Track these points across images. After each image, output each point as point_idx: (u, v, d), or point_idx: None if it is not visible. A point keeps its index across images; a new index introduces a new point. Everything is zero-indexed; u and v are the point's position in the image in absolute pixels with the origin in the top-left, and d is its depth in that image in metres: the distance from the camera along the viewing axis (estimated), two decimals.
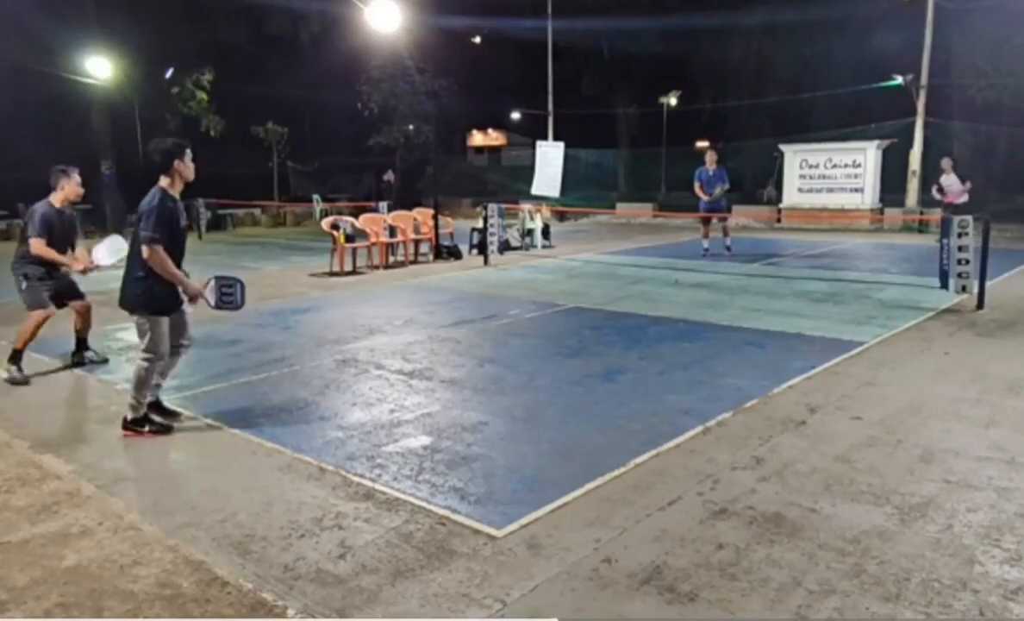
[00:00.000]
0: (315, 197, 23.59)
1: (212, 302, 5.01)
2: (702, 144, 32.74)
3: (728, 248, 13.88)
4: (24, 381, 6.12)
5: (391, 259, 13.66)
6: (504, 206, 15.46)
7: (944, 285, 9.71)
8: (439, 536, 3.47)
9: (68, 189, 6.39)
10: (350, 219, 13.76)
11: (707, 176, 13.92)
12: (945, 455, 4.32)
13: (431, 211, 14.79)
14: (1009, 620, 2.79)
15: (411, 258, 14.08)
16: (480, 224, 14.15)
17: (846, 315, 8.37)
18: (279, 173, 27.93)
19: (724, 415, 5.03)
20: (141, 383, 4.83)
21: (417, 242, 14.54)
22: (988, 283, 8.75)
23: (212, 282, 5.03)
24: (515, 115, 37.45)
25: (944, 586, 3.00)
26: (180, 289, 4.81)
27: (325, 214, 20.42)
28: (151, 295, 4.72)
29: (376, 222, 13.92)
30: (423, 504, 3.79)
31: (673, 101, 34.77)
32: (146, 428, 4.88)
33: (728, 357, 6.68)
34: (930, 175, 20.12)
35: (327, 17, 25.37)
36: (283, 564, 3.25)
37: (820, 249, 15.14)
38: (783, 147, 21.63)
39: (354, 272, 12.52)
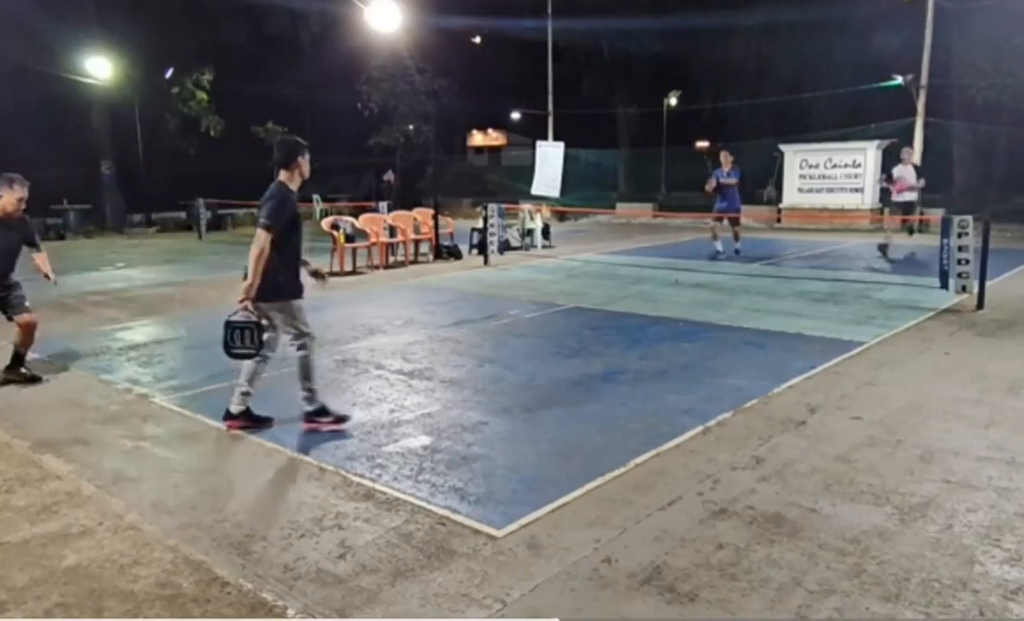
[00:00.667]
0: (315, 197, 23.58)
1: (231, 318, 4.67)
2: (702, 144, 32.78)
3: (737, 251, 13.76)
4: None
5: (391, 259, 13.66)
6: (504, 206, 15.45)
7: (944, 285, 9.71)
8: (439, 536, 3.47)
9: (5, 200, 5.88)
10: (350, 219, 13.76)
11: (723, 176, 13.86)
12: (945, 455, 4.32)
13: (431, 211, 14.80)
14: (1009, 620, 2.79)
15: (411, 258, 14.08)
16: (480, 224, 14.15)
17: (846, 315, 8.37)
18: None
19: (724, 415, 5.03)
20: (309, 370, 4.95)
21: (417, 242, 14.54)
22: (988, 283, 8.75)
23: (253, 317, 4.68)
24: (515, 115, 37.44)
25: (944, 586, 3.00)
26: (247, 283, 4.66)
27: (325, 214, 20.41)
28: (277, 284, 4.77)
29: (376, 222, 13.93)
30: (423, 504, 3.79)
31: (673, 101, 34.77)
32: (329, 417, 4.95)
33: (728, 357, 6.67)
34: (929, 175, 20.17)
35: (327, 17, 25.39)
36: (283, 564, 3.25)
37: (820, 249, 15.14)
38: (783, 147, 21.63)
39: (354, 272, 12.52)
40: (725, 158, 14.00)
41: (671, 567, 3.17)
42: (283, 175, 4.89)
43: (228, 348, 4.68)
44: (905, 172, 13.27)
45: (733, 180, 13.92)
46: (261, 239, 4.63)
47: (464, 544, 3.39)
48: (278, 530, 3.55)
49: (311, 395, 4.96)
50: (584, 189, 25.75)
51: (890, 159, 19.74)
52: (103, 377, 6.30)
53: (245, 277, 4.68)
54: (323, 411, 4.97)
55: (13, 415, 5.29)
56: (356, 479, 4.11)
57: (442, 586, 3.06)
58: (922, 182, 13.44)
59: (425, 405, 5.38)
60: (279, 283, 4.78)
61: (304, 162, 4.94)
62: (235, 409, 4.97)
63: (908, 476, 4.04)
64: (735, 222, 14.15)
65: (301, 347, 4.91)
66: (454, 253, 14.26)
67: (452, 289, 10.78)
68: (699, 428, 4.79)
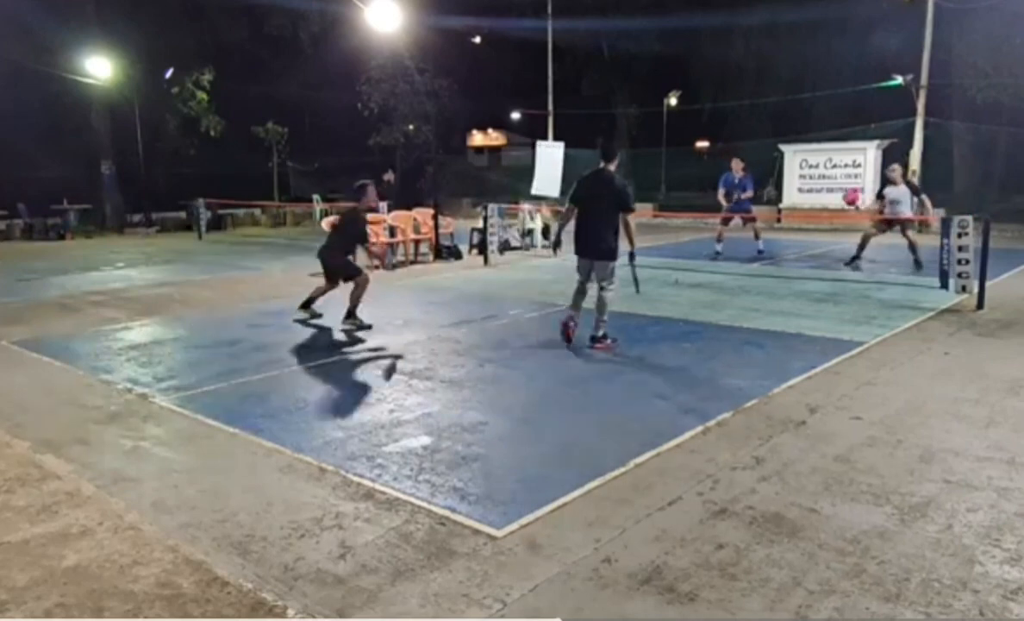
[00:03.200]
0: (315, 197, 23.58)
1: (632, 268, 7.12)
2: (702, 144, 32.77)
3: (760, 251, 13.41)
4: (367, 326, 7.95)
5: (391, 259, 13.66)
6: (504, 206, 15.43)
7: (944, 285, 9.71)
8: (439, 536, 3.47)
9: (372, 196, 8.45)
10: None
11: (732, 182, 13.40)
12: (945, 455, 4.32)
13: (431, 211, 14.79)
14: (1009, 620, 2.79)
15: (411, 258, 14.08)
16: (480, 224, 14.14)
17: (846, 315, 8.37)
18: (279, 173, 27.90)
19: (724, 415, 5.03)
20: (607, 307, 6.89)
21: (417, 242, 14.53)
22: (988, 283, 8.75)
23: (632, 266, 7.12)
24: (515, 115, 37.43)
25: (944, 586, 3.00)
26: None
27: (325, 214, 20.41)
28: (617, 246, 6.84)
29: (376, 222, 13.91)
30: (423, 504, 3.79)
31: (673, 101, 34.78)
32: (609, 340, 6.87)
33: (728, 357, 6.68)
34: (927, 175, 20.16)
35: (327, 17, 25.35)
36: (283, 564, 3.25)
37: (820, 249, 15.14)
38: (783, 147, 21.63)
39: None
40: (736, 164, 13.49)
41: (671, 567, 3.17)
42: (603, 165, 6.85)
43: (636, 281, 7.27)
44: (899, 194, 11.46)
45: (749, 192, 13.46)
46: (631, 220, 6.90)
47: (464, 544, 3.39)
48: (278, 530, 3.55)
49: (604, 324, 6.91)
50: None
51: (891, 159, 19.78)
52: (103, 377, 6.30)
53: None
54: (602, 337, 6.91)
55: (13, 415, 5.29)
56: (356, 479, 4.11)
57: (442, 586, 3.06)
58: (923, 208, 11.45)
59: (425, 405, 5.38)
60: (618, 246, 6.84)
61: (617, 158, 6.97)
62: (601, 332, 6.89)
63: (908, 476, 4.05)
64: (751, 221, 13.77)
65: (611, 289, 6.89)
66: (454, 253, 14.25)
67: (452, 289, 10.78)
68: (699, 428, 4.79)
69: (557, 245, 7.28)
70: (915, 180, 19.60)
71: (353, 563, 3.25)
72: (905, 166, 19.75)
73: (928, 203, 11.67)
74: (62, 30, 19.90)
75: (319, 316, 8.38)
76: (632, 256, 7.00)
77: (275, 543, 3.43)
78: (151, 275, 12.74)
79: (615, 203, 6.73)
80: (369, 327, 7.95)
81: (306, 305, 8.46)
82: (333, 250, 8.32)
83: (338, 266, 8.30)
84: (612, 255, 6.82)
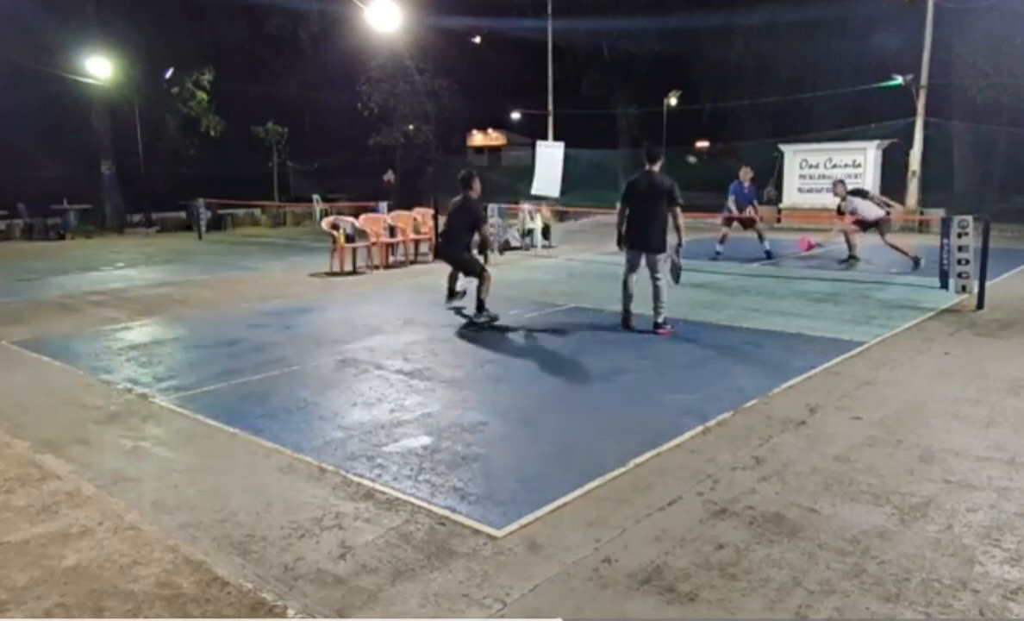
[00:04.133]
0: (315, 197, 23.57)
1: (675, 261, 7.92)
2: (702, 144, 32.78)
3: (768, 252, 13.49)
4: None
5: (391, 259, 13.66)
6: (504, 206, 15.42)
7: (944, 285, 9.71)
8: (439, 536, 3.47)
9: (478, 186, 8.52)
10: (350, 219, 13.76)
11: (743, 193, 13.48)
12: (945, 455, 4.32)
13: (431, 211, 14.79)
14: (1009, 620, 2.79)
15: (411, 258, 14.08)
16: None
17: (846, 315, 8.37)
18: (279, 173, 27.90)
19: (724, 415, 5.03)
20: (663, 294, 7.52)
21: (417, 242, 14.53)
22: (988, 283, 8.75)
23: (673, 259, 7.86)
24: (515, 115, 37.42)
25: (944, 586, 3.00)
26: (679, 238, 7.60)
27: (325, 214, 20.42)
28: (666, 239, 7.55)
29: (376, 222, 13.92)
30: (423, 504, 3.79)
31: (673, 101, 34.79)
32: (669, 326, 7.48)
33: (728, 357, 6.68)
34: (927, 175, 20.16)
35: (327, 17, 25.35)
36: (283, 564, 3.25)
37: (820, 249, 15.11)
38: (783, 147, 21.60)
39: (354, 272, 12.52)
40: (745, 173, 13.56)
41: (671, 567, 3.17)
42: (648, 167, 7.51)
43: (677, 278, 8.05)
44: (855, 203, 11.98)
45: (753, 206, 13.60)
46: (680, 214, 7.44)
47: (464, 544, 3.39)
48: (278, 530, 3.55)
49: (664, 309, 7.54)
50: (584, 189, 25.74)
51: (891, 159, 19.79)
52: (103, 377, 6.30)
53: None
54: (663, 324, 7.51)
55: (13, 415, 5.29)
56: (356, 479, 4.11)
57: (442, 586, 3.06)
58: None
59: (425, 405, 5.38)
60: (664, 240, 7.52)
61: (661, 159, 7.62)
62: (662, 319, 7.52)
63: (908, 476, 4.05)
64: (751, 223, 13.80)
65: (664, 279, 7.58)
66: None
67: None
68: (699, 428, 4.79)
69: (621, 242, 7.74)
70: (916, 180, 19.65)
71: (353, 563, 3.25)
72: (905, 166, 19.81)
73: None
74: (62, 30, 19.90)
75: (462, 294, 8.68)
76: (678, 250, 7.69)
77: (275, 543, 3.43)
78: (151, 275, 12.74)
79: (663, 200, 7.38)
80: (496, 317, 8.21)
81: (451, 295, 8.73)
82: (451, 248, 8.46)
83: (460, 262, 8.47)
84: (662, 247, 7.51)
